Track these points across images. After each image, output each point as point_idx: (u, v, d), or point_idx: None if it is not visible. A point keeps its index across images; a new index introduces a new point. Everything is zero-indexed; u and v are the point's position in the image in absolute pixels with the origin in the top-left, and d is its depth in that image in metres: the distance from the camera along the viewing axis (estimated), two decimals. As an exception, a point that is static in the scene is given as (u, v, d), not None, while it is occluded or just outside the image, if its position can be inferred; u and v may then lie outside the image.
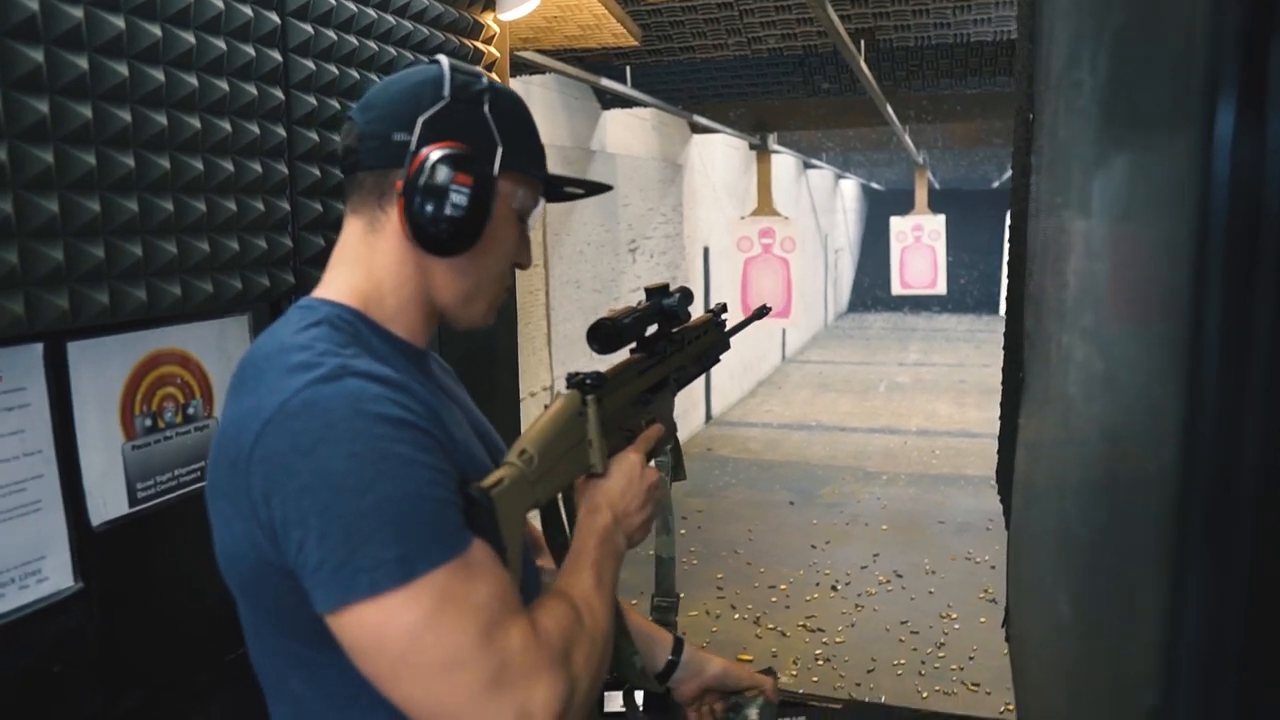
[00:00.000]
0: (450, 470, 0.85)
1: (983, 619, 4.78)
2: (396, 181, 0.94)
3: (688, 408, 8.39)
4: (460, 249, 0.96)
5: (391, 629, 0.77)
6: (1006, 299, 1.86)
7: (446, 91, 0.96)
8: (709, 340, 1.39)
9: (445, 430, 0.90)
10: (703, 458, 7.87)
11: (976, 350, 14.31)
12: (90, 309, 1.16)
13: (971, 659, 4.38)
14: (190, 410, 1.37)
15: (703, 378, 9.01)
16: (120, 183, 1.18)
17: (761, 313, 1.54)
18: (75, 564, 1.22)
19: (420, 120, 0.94)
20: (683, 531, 6.16)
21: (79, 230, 1.14)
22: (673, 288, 1.26)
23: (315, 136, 1.50)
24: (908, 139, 7.77)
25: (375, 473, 0.78)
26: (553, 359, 5.32)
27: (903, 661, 4.37)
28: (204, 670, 1.42)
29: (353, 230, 0.99)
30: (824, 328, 16.52)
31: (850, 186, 18.29)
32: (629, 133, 6.61)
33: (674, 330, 1.27)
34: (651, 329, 1.23)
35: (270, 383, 0.84)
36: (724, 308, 1.46)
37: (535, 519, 1.11)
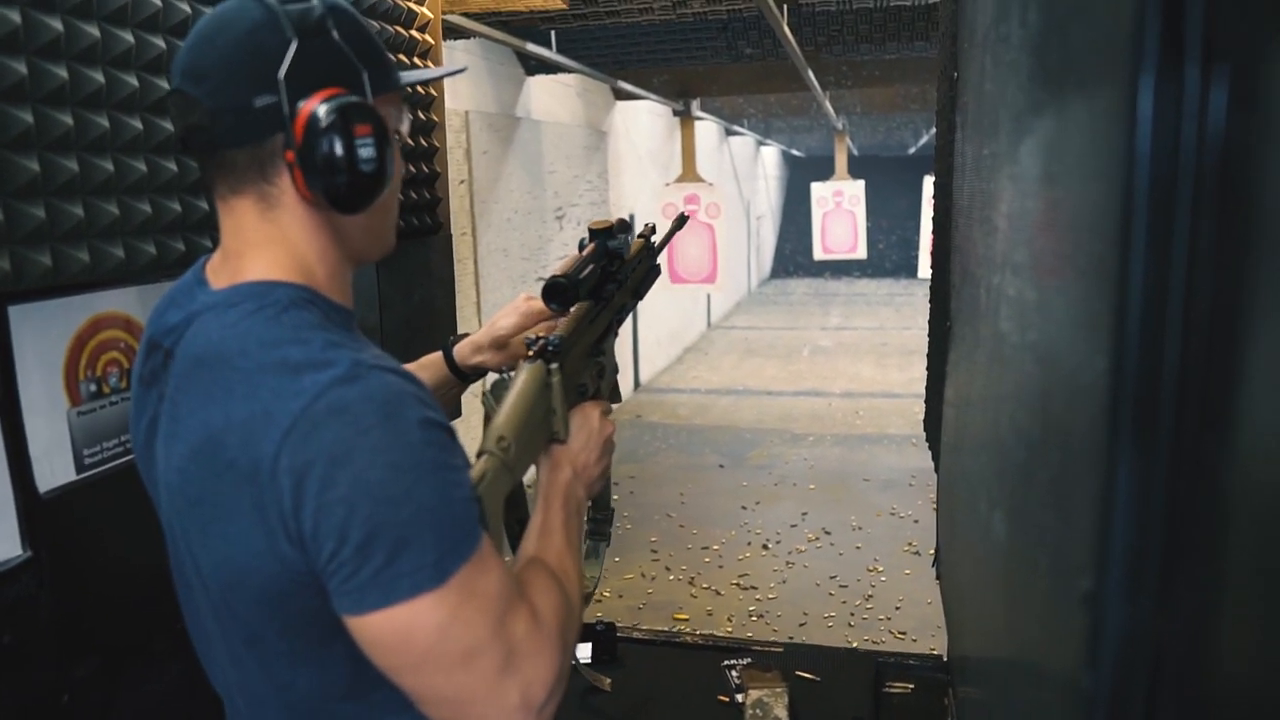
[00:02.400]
0: (465, 464, 0.85)
1: (908, 571, 4.96)
2: (286, 152, 0.84)
3: (617, 375, 8.45)
4: (376, 198, 0.89)
5: (421, 627, 0.78)
6: (932, 254, 1.95)
7: (289, 31, 0.83)
8: (643, 269, 1.34)
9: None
10: (632, 424, 7.95)
11: (896, 313, 14.66)
12: (33, 271, 1.14)
13: (898, 609, 4.55)
14: (132, 381, 1.36)
15: (629, 345, 9.05)
16: (59, 142, 1.16)
17: (681, 221, 1.46)
18: (23, 532, 1.21)
19: (280, 77, 0.82)
20: (615, 497, 6.21)
21: (18, 191, 1.12)
22: (611, 220, 1.22)
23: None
24: (828, 104, 7.88)
25: (413, 480, 0.77)
26: (481, 319, 5.31)
27: (833, 614, 4.53)
28: (158, 636, 1.42)
29: (242, 212, 0.88)
30: (748, 294, 16.73)
31: (771, 153, 18.47)
32: (553, 99, 6.57)
33: (615, 269, 1.23)
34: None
35: (273, 386, 0.78)
36: (653, 228, 1.39)
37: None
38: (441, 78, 1.07)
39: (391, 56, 0.98)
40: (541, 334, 1.07)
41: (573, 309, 1.16)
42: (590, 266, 1.16)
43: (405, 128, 0.97)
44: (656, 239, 1.36)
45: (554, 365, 1.06)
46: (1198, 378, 0.50)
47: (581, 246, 1.20)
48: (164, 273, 1.39)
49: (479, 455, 0.97)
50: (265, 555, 0.80)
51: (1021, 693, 0.80)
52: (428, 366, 1.29)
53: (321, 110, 0.82)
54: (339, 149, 0.83)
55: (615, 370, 1.27)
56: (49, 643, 1.24)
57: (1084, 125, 0.59)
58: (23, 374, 1.19)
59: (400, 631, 0.79)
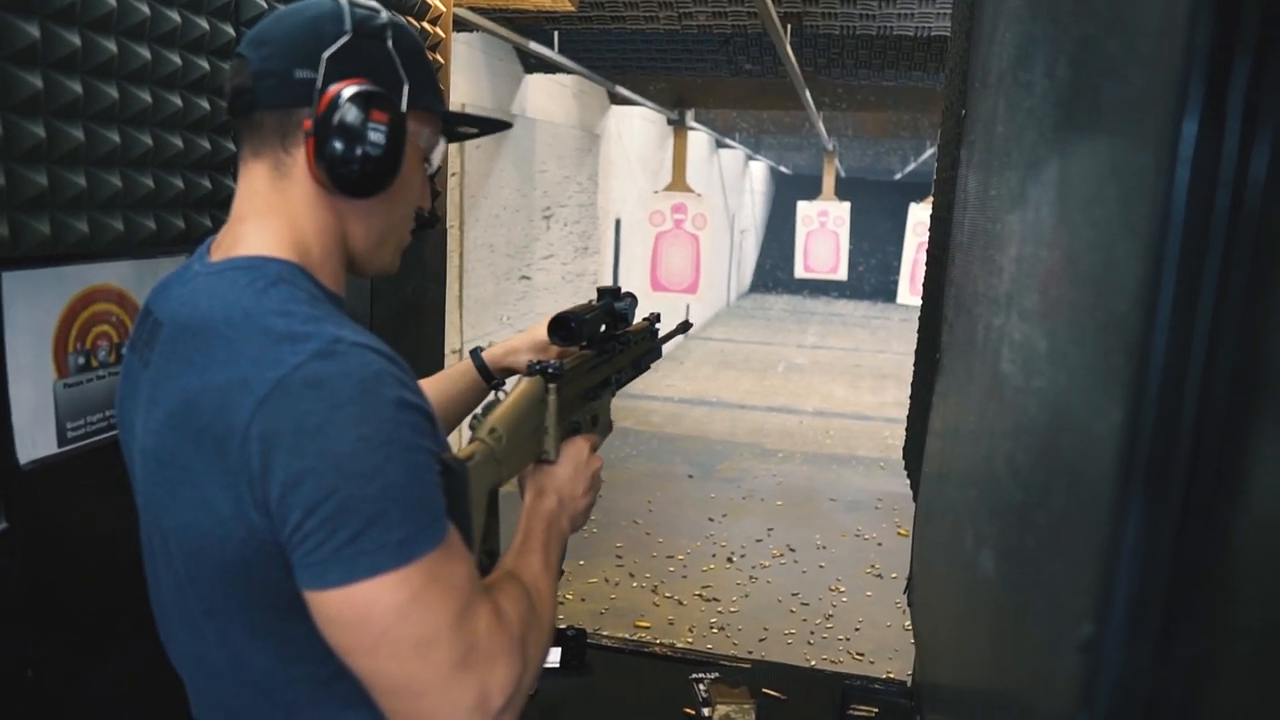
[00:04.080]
0: (437, 450, 0.85)
1: (869, 593, 5.00)
2: (304, 121, 0.89)
3: (592, 378, 8.44)
4: (377, 189, 0.92)
5: (379, 607, 0.77)
6: (924, 286, 1.96)
7: (348, 26, 0.90)
8: (644, 347, 1.43)
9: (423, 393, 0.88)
10: (605, 428, 7.95)
11: (872, 336, 14.78)
12: (31, 238, 1.12)
13: (858, 630, 4.58)
14: (124, 350, 1.34)
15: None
16: (66, 109, 1.15)
17: (684, 328, 1.58)
18: (1, 504, 1.19)
19: (325, 56, 0.88)
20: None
21: (22, 156, 1.10)
22: (612, 288, 1.32)
23: (262, 78, 1.48)
24: (820, 125, 7.94)
25: (383, 457, 0.77)
26: (463, 322, 5.29)
27: (793, 631, 4.55)
28: (127, 615, 1.40)
29: (257, 176, 0.93)
30: (726, 306, 16.78)
31: (759, 168, 18.56)
32: (550, 99, 6.57)
33: (619, 333, 1.32)
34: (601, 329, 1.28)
35: (252, 354, 0.79)
36: (658, 317, 1.48)
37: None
38: (488, 125, 1.10)
39: (440, 87, 1.02)
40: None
41: (576, 350, 1.22)
42: (595, 314, 1.24)
43: (436, 158, 1.02)
44: (661, 330, 1.47)
45: (551, 385, 1.10)
46: (1214, 436, 0.52)
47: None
48: (161, 248, 1.37)
49: (469, 444, 0.98)
50: (231, 522, 0.80)
51: (1001, 729, 0.81)
52: (456, 375, 1.34)
53: (347, 90, 0.88)
54: (351, 126, 0.87)
55: (608, 428, 1.32)
56: (15, 616, 1.22)
57: (1115, 181, 0.60)
58: (11, 342, 1.18)
59: (358, 610, 0.78)
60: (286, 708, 0.91)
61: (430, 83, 0.98)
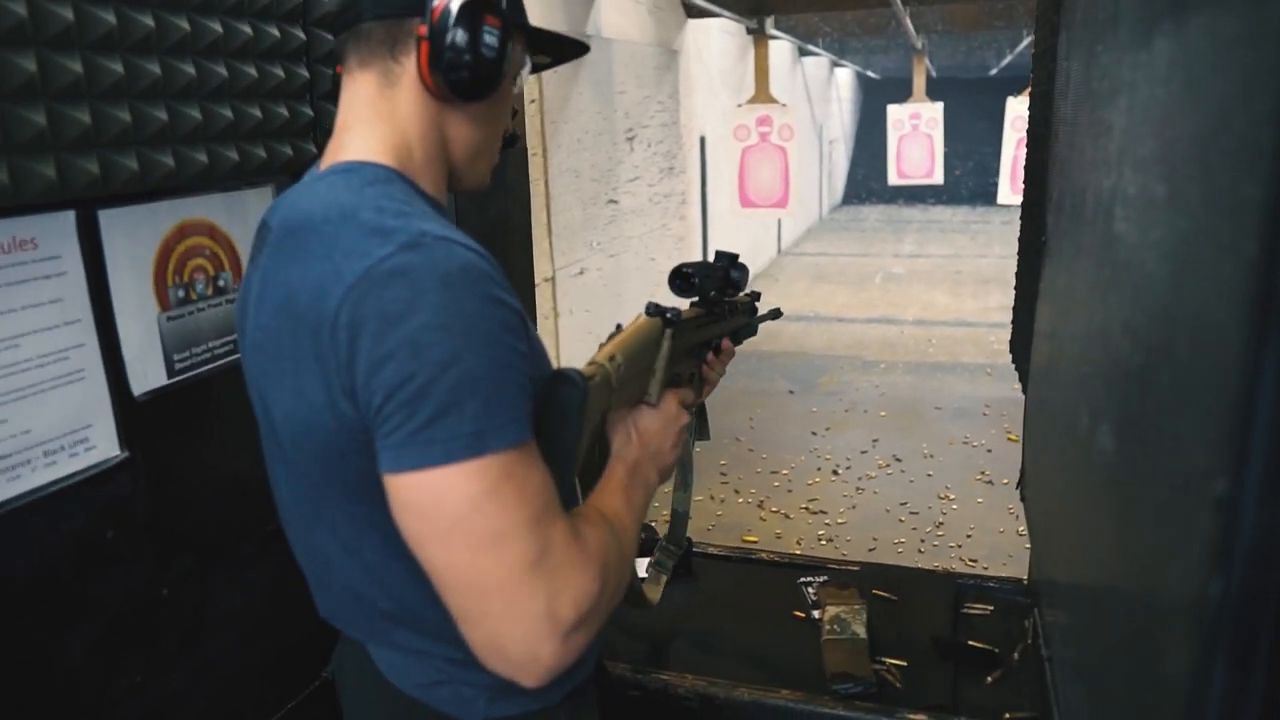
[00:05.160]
0: (529, 354, 0.85)
1: (980, 499, 4.90)
2: (417, 27, 0.92)
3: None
4: (485, 93, 0.95)
5: (453, 495, 0.78)
6: (1026, 170, 1.86)
7: None
8: (744, 320, 1.44)
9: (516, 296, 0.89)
10: (701, 350, 7.93)
11: (972, 241, 14.27)
12: (119, 174, 1.15)
13: (969, 537, 4.51)
14: (220, 282, 1.38)
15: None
16: (141, 44, 1.16)
17: (775, 314, 1.60)
18: (120, 433, 1.24)
19: None
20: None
21: (103, 93, 1.12)
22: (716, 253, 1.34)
23: (332, 2, 1.46)
24: (908, 21, 7.57)
25: (462, 345, 0.78)
26: (553, 249, 5.30)
27: (903, 540, 4.50)
28: (249, 538, 1.47)
29: (363, 85, 0.96)
30: (819, 220, 16.42)
31: (845, 75, 17.90)
32: (624, 17, 6.42)
33: (728, 298, 1.34)
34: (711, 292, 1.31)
35: (345, 247, 0.82)
36: (758, 295, 1.51)
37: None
38: (568, 44, 1.11)
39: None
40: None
41: (689, 306, 1.24)
42: (714, 272, 1.28)
43: (525, 73, 1.05)
44: (761, 309, 1.50)
45: (668, 330, 1.11)
46: (1366, 262, 0.46)
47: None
48: (246, 179, 1.39)
49: (587, 364, 0.99)
50: (325, 410, 0.83)
51: (1127, 611, 0.77)
52: None
53: None
54: (468, 30, 0.91)
55: (703, 409, 1.36)
56: (145, 540, 1.29)
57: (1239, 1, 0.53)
58: (114, 278, 1.22)
59: (433, 495, 0.79)
60: (398, 600, 0.94)
61: (521, 3, 1.02)
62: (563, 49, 1.12)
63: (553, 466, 0.87)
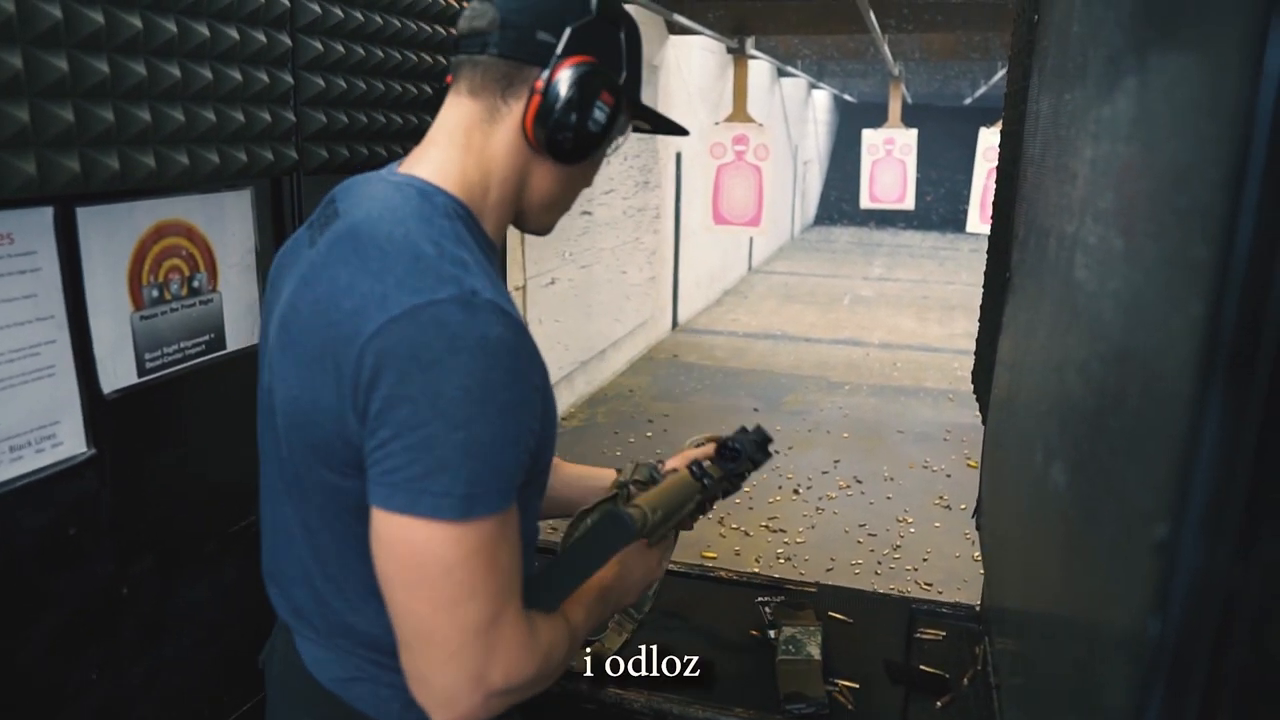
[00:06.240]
0: (536, 430, 0.89)
1: (937, 524, 4.97)
2: (535, 80, 0.96)
3: (655, 314, 8.43)
4: (579, 159, 1.00)
5: (430, 552, 0.83)
6: (994, 205, 1.90)
7: (594, 6, 0.98)
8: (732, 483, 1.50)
9: (545, 373, 0.93)
10: (669, 364, 7.96)
11: (940, 267, 14.46)
12: (100, 173, 1.15)
13: (925, 560, 4.57)
14: (195, 283, 1.38)
15: (669, 285, 9.00)
16: (128, 44, 1.16)
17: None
18: (88, 430, 1.24)
19: (569, 28, 0.96)
20: (649, 434, 6.26)
21: (87, 91, 1.12)
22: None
23: (318, 9, 1.47)
24: (886, 48, 7.68)
25: (478, 412, 0.81)
26: (525, 258, 5.31)
27: (860, 561, 4.55)
28: (210, 540, 1.46)
29: (466, 113, 0.99)
30: (790, 239, 16.56)
31: (822, 97, 18.10)
32: (606, 31, 6.46)
33: (741, 470, 1.40)
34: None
35: (399, 274, 0.85)
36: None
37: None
38: (666, 123, 1.17)
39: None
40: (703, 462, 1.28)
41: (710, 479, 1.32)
42: (752, 448, 1.39)
43: (616, 144, 1.09)
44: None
45: (698, 497, 1.25)
46: (1301, 327, 0.49)
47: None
48: (225, 182, 1.40)
49: (630, 506, 1.10)
50: (329, 413, 0.87)
51: (1072, 642, 0.80)
52: (600, 476, 1.42)
53: (585, 66, 0.96)
54: (581, 99, 0.95)
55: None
56: (108, 538, 1.28)
57: (1199, 66, 0.56)
58: (89, 276, 1.21)
59: (412, 547, 0.83)
60: (337, 589, 0.98)
61: (639, 78, 1.06)
62: (662, 124, 1.16)
63: (567, 576, 0.97)
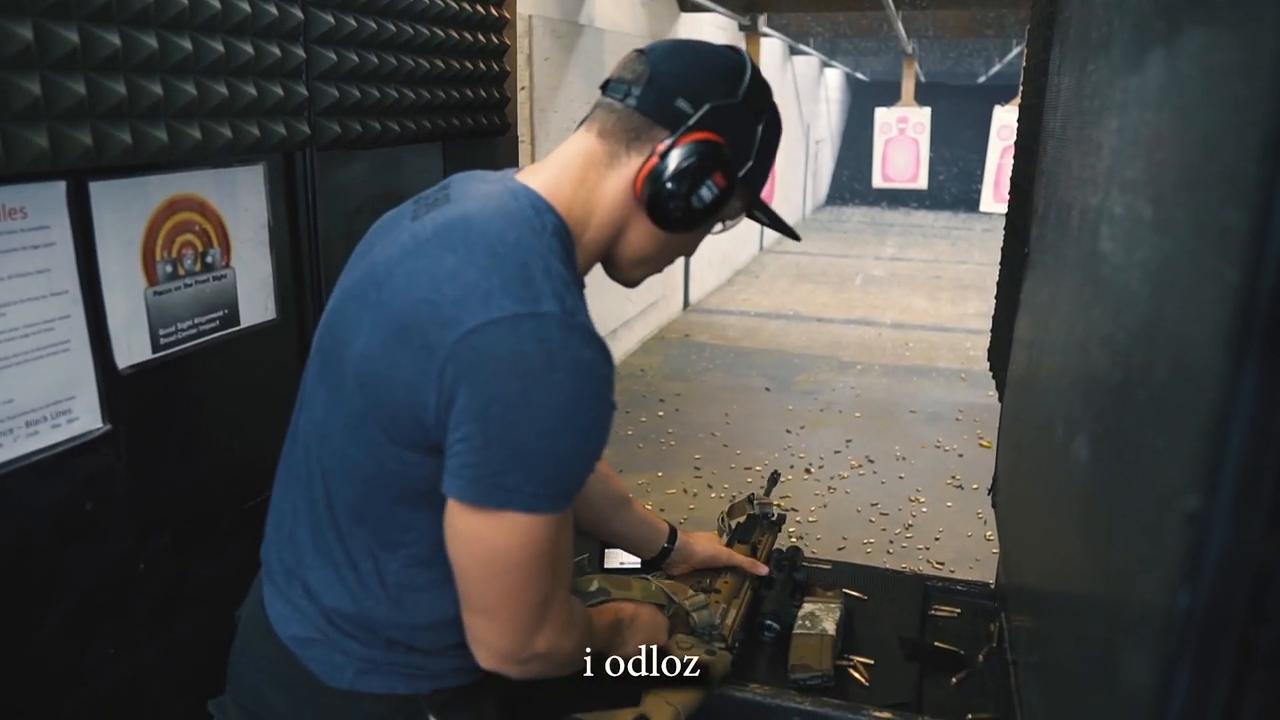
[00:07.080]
0: (605, 443, 0.94)
1: (949, 503, 4.95)
2: (659, 142, 0.98)
3: (666, 294, 8.41)
4: (677, 229, 1.02)
5: (501, 543, 0.90)
6: (1012, 181, 1.88)
7: (741, 94, 1.01)
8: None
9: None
10: (681, 343, 7.94)
11: (953, 247, 14.37)
12: (112, 147, 1.14)
13: (938, 539, 4.56)
14: (209, 259, 1.37)
15: (681, 266, 8.98)
16: (139, 17, 1.15)
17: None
18: (103, 406, 1.24)
19: (708, 105, 0.98)
20: (660, 414, 6.26)
21: (99, 64, 1.11)
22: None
23: (328, -18, 1.46)
24: (899, 25, 7.60)
25: (562, 428, 0.87)
26: (537, 239, 5.28)
27: (872, 541, 4.54)
28: (225, 515, 1.47)
29: (590, 151, 1.02)
30: (802, 219, 16.47)
31: (835, 76, 17.94)
32: (617, 8, 6.41)
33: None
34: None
35: (506, 278, 0.87)
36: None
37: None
38: (781, 227, 1.20)
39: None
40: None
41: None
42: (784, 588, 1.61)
43: (729, 225, 1.12)
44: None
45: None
46: (1341, 293, 0.48)
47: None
48: (238, 156, 1.39)
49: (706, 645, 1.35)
50: (405, 385, 0.89)
51: (1094, 618, 0.79)
52: (650, 526, 1.52)
53: (707, 144, 0.98)
54: (693, 172, 0.97)
55: None
56: (124, 514, 1.29)
57: (1231, 31, 0.55)
58: (103, 251, 1.21)
59: (480, 536, 0.90)
60: (342, 544, 1.00)
61: (765, 174, 1.07)
62: (778, 224, 1.18)
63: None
